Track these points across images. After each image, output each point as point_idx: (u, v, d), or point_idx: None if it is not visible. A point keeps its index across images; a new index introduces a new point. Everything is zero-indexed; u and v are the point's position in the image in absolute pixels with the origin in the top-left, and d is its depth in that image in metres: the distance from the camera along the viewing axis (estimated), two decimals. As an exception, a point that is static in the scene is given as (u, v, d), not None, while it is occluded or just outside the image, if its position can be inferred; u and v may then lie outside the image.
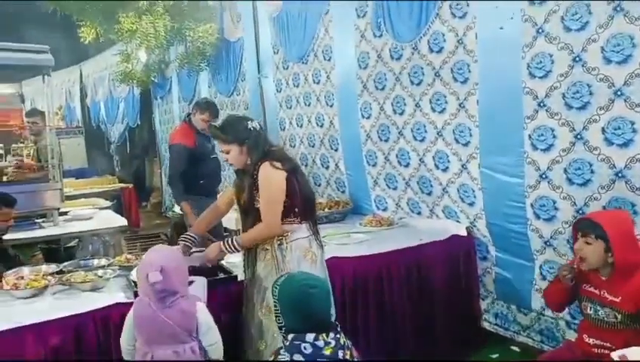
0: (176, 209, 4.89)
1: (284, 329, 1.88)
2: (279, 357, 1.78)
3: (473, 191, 3.35)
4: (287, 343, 1.80)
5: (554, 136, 2.77)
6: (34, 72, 4.65)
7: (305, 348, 1.76)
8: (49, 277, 2.62)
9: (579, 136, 2.66)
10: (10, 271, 2.69)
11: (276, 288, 1.97)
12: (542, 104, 2.79)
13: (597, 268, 2.20)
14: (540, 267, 3.10)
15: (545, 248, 3.02)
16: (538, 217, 2.97)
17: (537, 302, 3.17)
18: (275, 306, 1.91)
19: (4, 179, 4.38)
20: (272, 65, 5.14)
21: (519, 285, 3.26)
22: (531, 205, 2.99)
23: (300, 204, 2.41)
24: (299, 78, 4.76)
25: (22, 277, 2.60)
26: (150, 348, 2.06)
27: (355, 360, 1.90)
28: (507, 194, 3.10)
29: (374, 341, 3.11)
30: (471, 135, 3.26)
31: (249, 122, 2.44)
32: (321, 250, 2.51)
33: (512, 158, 3.02)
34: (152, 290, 2.02)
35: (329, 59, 4.34)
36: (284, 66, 4.95)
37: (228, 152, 2.44)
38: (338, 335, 1.85)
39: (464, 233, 3.46)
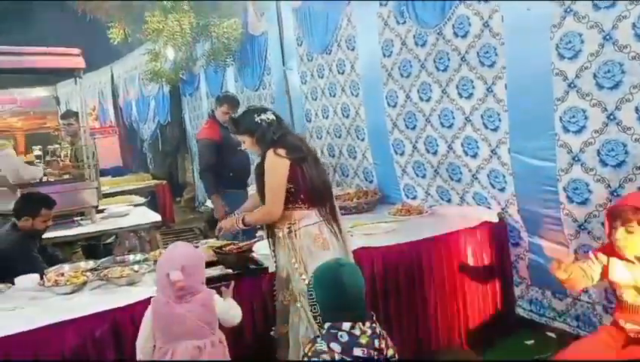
0: (209, 203, 4.98)
1: (319, 318, 1.89)
2: (316, 345, 1.80)
3: (504, 176, 3.30)
4: (324, 332, 1.82)
5: (585, 118, 2.70)
6: (67, 74, 4.77)
7: (341, 337, 1.78)
8: (87, 274, 2.72)
9: (611, 117, 2.59)
10: (51, 269, 2.80)
11: (312, 278, 1.99)
12: (572, 85, 2.73)
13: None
14: (575, 251, 3.03)
15: (579, 232, 2.95)
16: (571, 201, 2.91)
17: (573, 287, 3.11)
18: (311, 295, 1.93)
19: (44, 179, 4.54)
20: (296, 57, 5.15)
21: (554, 270, 3.20)
22: (564, 189, 2.92)
23: (307, 191, 2.46)
24: (323, 69, 4.76)
25: (62, 274, 2.70)
26: (171, 345, 2.09)
27: (390, 347, 1.92)
28: (539, 179, 3.04)
29: (407, 329, 3.12)
30: (500, 120, 3.20)
31: (260, 114, 2.54)
32: (336, 236, 2.52)
33: (542, 142, 2.96)
34: (172, 288, 2.07)
35: (352, 49, 4.33)
36: (308, 58, 4.96)
37: (244, 142, 2.60)
38: (374, 324, 1.87)
39: (496, 219, 3.42)
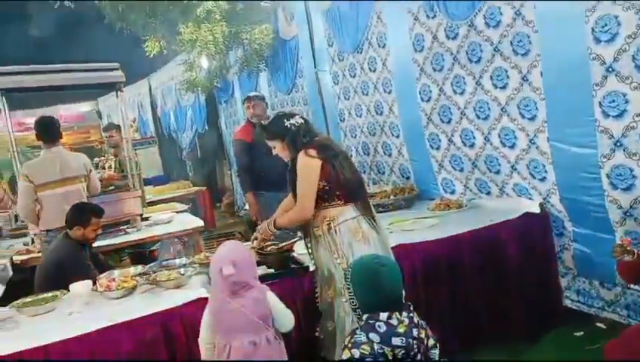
0: (248, 207, 5.10)
1: (358, 310, 1.93)
2: (355, 336, 1.84)
3: (544, 166, 3.25)
4: (362, 323, 1.86)
5: (626, 102, 2.63)
6: (108, 88, 4.95)
7: (379, 327, 1.81)
8: (137, 278, 2.83)
9: (654, 99, 2.52)
10: (102, 275, 2.92)
11: (348, 271, 2.03)
12: (610, 69, 2.66)
13: None
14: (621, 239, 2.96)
15: (625, 219, 2.88)
16: (615, 187, 2.84)
17: (622, 275, 3.03)
18: (348, 288, 1.98)
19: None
20: (327, 58, 5.19)
21: (600, 259, 3.12)
22: (607, 175, 2.86)
23: (342, 187, 2.50)
24: (355, 68, 4.78)
25: (113, 280, 2.82)
26: (228, 341, 2.16)
27: (430, 338, 1.93)
28: (580, 166, 2.98)
29: (449, 324, 3.10)
30: (537, 108, 3.15)
31: (289, 118, 2.60)
32: (375, 230, 2.55)
33: (582, 128, 2.89)
34: (226, 284, 2.13)
35: (383, 46, 4.33)
36: (339, 58, 4.99)
37: (274, 147, 2.66)
38: (411, 314, 1.89)
39: (537, 210, 3.36)
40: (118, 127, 5.40)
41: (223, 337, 2.18)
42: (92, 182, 4.18)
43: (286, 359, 2.27)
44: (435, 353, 1.97)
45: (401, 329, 1.83)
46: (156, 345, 2.40)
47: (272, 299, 2.26)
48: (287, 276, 2.73)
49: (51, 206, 3.85)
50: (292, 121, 2.60)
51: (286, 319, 2.26)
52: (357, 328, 1.89)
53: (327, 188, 2.50)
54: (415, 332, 1.88)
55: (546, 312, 3.33)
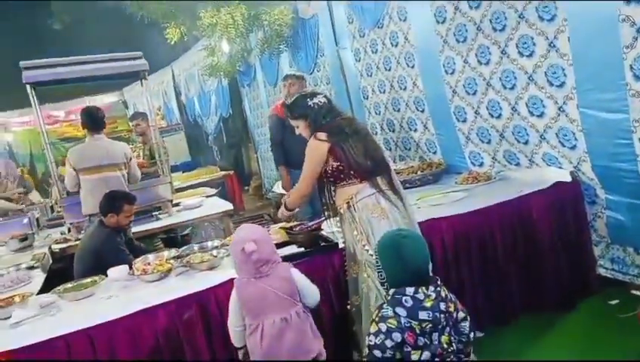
0: (276, 189, 5.13)
1: (386, 284, 1.95)
2: (382, 311, 1.86)
3: (573, 133, 3.18)
4: (389, 298, 1.87)
5: (659, 63, 2.56)
6: (133, 77, 5.02)
7: (406, 301, 1.83)
8: (171, 261, 2.90)
9: (688, 58, 2.43)
10: (137, 259, 3.00)
11: (377, 246, 2.05)
12: (641, 30, 2.58)
13: None
14: (657, 204, 2.90)
15: (660, 184, 2.81)
16: (649, 152, 2.78)
17: (658, 242, 2.98)
18: (377, 264, 2.00)
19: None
20: (348, 35, 5.14)
21: (635, 226, 3.07)
22: (639, 140, 2.78)
23: (355, 167, 2.52)
24: (376, 43, 4.73)
25: (148, 264, 2.90)
26: (259, 320, 2.21)
27: (460, 310, 1.94)
28: (612, 132, 2.91)
29: (482, 297, 3.10)
30: (565, 75, 3.08)
31: (312, 98, 2.63)
32: (396, 206, 2.55)
33: (613, 93, 2.82)
34: (249, 262, 2.19)
35: (405, 20, 4.27)
36: (360, 35, 4.94)
37: (298, 127, 2.70)
38: (439, 288, 1.90)
39: (568, 179, 3.31)
40: (144, 116, 5.49)
41: (254, 318, 2.23)
42: (132, 171, 4.31)
43: (316, 331, 2.31)
44: (465, 326, 1.98)
45: (427, 304, 1.84)
46: (192, 325, 2.47)
47: (297, 274, 2.31)
48: (318, 254, 2.76)
49: (92, 191, 3.98)
50: (315, 100, 2.62)
51: (312, 293, 2.32)
52: (384, 302, 1.92)
53: (341, 167, 2.53)
54: (442, 306, 1.88)
55: (579, 281, 3.30)
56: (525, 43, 3.25)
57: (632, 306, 2.93)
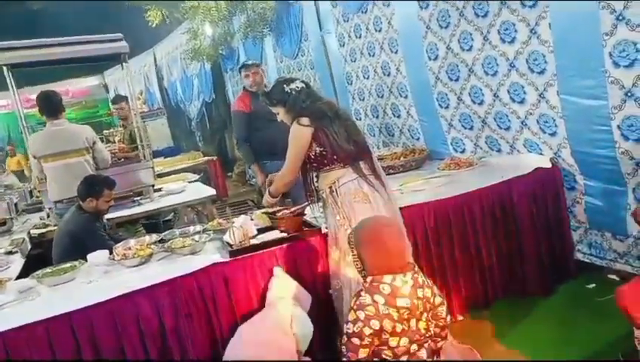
0: (255, 178, 5.10)
1: (363, 272, 1.96)
2: (360, 298, 1.86)
3: (554, 120, 3.21)
4: (367, 285, 1.88)
5: (637, 50, 2.57)
6: (113, 60, 4.93)
7: (384, 289, 1.84)
8: (153, 246, 2.88)
9: (666, 46, 2.47)
10: (118, 244, 2.98)
11: (352, 234, 2.06)
12: (620, 17, 2.60)
13: None
14: (634, 190, 2.95)
15: (637, 170, 2.86)
16: (627, 138, 2.81)
17: (634, 226, 3.03)
18: (353, 253, 2.00)
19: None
20: (332, 20, 5.11)
21: (613, 211, 3.12)
22: (618, 127, 2.82)
23: (338, 151, 2.52)
24: (360, 28, 4.70)
25: (129, 248, 2.87)
26: None
27: (437, 295, 1.96)
28: (591, 119, 2.95)
29: (464, 281, 3.14)
30: (546, 62, 3.10)
31: (289, 84, 2.62)
32: (378, 191, 2.56)
33: (593, 80, 2.85)
34: None
35: (388, 5, 4.24)
36: (344, 19, 4.91)
37: (278, 113, 2.69)
38: (416, 275, 1.91)
39: (548, 165, 3.35)
40: (126, 99, 5.41)
41: None
42: (99, 154, 4.21)
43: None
44: (442, 310, 2.00)
45: (405, 291, 1.85)
46: (176, 309, 2.47)
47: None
48: (301, 239, 2.77)
49: (55, 178, 3.93)
50: (292, 85, 2.62)
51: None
52: (361, 290, 1.92)
53: (324, 152, 2.53)
54: (420, 292, 1.90)
55: (558, 266, 3.36)
56: (507, 29, 3.26)
57: (608, 290, 2.98)
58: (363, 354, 1.80)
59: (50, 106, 4.05)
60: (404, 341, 1.85)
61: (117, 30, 4.54)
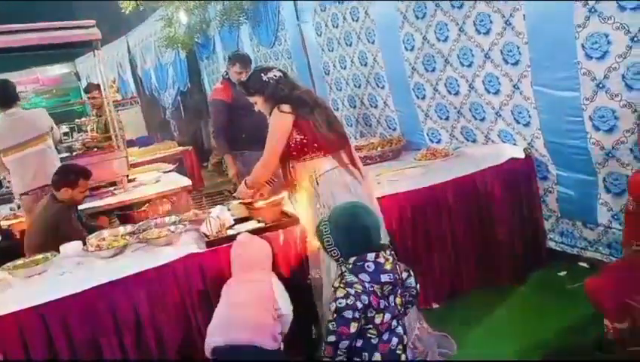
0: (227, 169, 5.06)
1: (341, 259, 1.98)
2: (346, 278, 1.90)
3: (527, 111, 3.26)
4: (350, 266, 1.91)
5: (608, 42, 2.63)
6: (84, 47, 4.82)
7: (368, 267, 1.90)
8: (127, 237, 2.84)
9: (635, 39, 2.51)
10: (92, 235, 2.93)
11: (325, 225, 2.05)
12: (593, 9, 2.64)
13: None
14: (604, 180, 3.02)
15: (607, 160, 2.92)
16: (598, 129, 2.87)
17: (604, 215, 3.11)
18: (327, 240, 2.01)
19: (74, 153, 4.68)
20: (309, 9, 5.07)
21: (583, 200, 3.20)
22: (590, 117, 2.88)
23: (319, 140, 2.52)
24: (337, 18, 4.68)
25: (103, 239, 2.83)
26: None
27: (404, 270, 2.02)
28: (564, 110, 3.00)
29: (439, 270, 3.19)
30: (520, 53, 3.13)
31: (267, 72, 2.60)
32: (357, 180, 2.58)
33: (565, 72, 2.89)
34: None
35: (365, -5, 4.24)
36: (321, 8, 4.87)
37: (256, 103, 2.66)
38: (392, 252, 1.98)
39: (522, 155, 3.41)
40: (98, 87, 5.30)
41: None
42: (56, 137, 4.11)
43: (277, 336, 2.33)
44: (411, 281, 2.07)
45: (388, 267, 1.93)
46: (152, 301, 2.44)
47: (277, 283, 2.41)
48: (278, 229, 2.76)
49: (17, 171, 3.81)
50: (270, 74, 2.60)
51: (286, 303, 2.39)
52: (344, 271, 1.95)
53: (304, 141, 2.52)
54: (398, 268, 1.99)
55: (530, 254, 3.43)
56: (482, 21, 3.28)
57: (579, 277, 3.07)
58: (354, 328, 1.84)
59: (5, 96, 3.86)
60: (387, 316, 1.92)
61: (89, 17, 4.43)
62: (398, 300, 1.97)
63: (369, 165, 3.85)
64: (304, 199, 2.62)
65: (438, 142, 4.14)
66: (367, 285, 1.87)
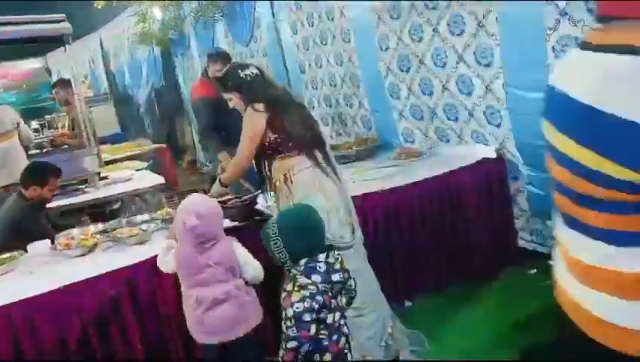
0: (211, 164, 5.00)
1: (288, 262, 1.92)
2: (299, 281, 1.86)
3: (499, 111, 3.31)
4: (302, 268, 1.88)
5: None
6: (55, 42, 4.71)
7: (320, 267, 1.86)
8: (97, 236, 2.79)
9: (604, 42, 2.57)
10: (60, 234, 2.87)
11: (272, 227, 1.97)
12: (563, 12, 2.69)
13: None
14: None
15: (576, 161, 2.98)
16: (567, 130, 2.93)
17: (572, 215, 3.18)
18: (275, 243, 1.93)
19: (44, 150, 4.58)
20: (285, 7, 5.06)
21: (553, 200, 3.25)
22: (559, 119, 2.93)
23: (293, 139, 2.50)
24: (313, 17, 4.68)
25: (72, 238, 2.78)
26: (195, 291, 2.17)
27: (344, 270, 1.99)
28: (534, 111, 3.01)
29: (411, 268, 3.21)
30: (492, 55, 3.18)
31: (244, 69, 2.56)
32: (332, 179, 2.57)
33: (537, 73, 2.92)
34: (191, 236, 2.12)
35: (341, -6, 4.25)
36: (297, 7, 4.87)
37: (231, 100, 2.62)
38: (337, 252, 1.98)
39: (494, 155, 3.46)
40: (67, 83, 5.19)
41: (189, 287, 2.19)
42: (23, 134, 4.01)
43: (258, 306, 2.29)
44: (352, 283, 2.04)
45: (337, 266, 1.91)
46: (121, 301, 2.40)
47: (239, 249, 2.25)
48: (251, 228, 2.74)
49: None
50: (247, 71, 2.57)
51: (253, 269, 2.26)
52: (295, 274, 1.90)
53: (278, 140, 2.50)
54: (345, 266, 1.97)
55: (502, 253, 3.48)
56: (456, 22, 3.32)
57: (549, 275, 3.13)
58: (313, 330, 1.81)
59: None
60: (337, 316, 1.90)
61: (60, 11, 4.34)
62: (344, 299, 1.97)
63: (344, 164, 3.86)
64: (279, 197, 2.60)
65: (413, 142, 4.17)
66: (320, 286, 1.84)
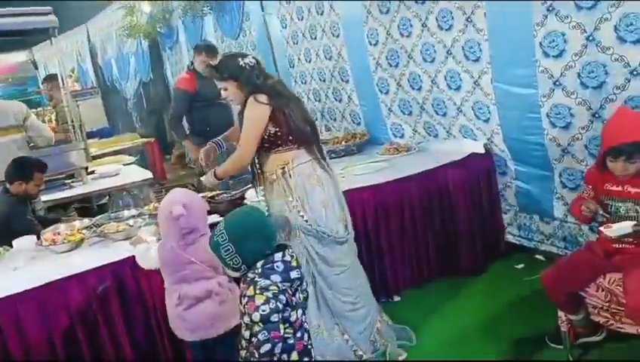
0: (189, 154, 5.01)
1: (243, 266, 1.86)
2: (259, 283, 1.80)
3: (487, 107, 3.32)
4: (259, 270, 1.83)
5: (565, 41, 2.69)
6: (41, 34, 4.65)
7: (277, 267, 1.82)
8: (84, 231, 2.76)
9: (590, 38, 2.58)
10: (47, 229, 2.84)
11: (221, 234, 1.88)
12: (551, 8, 2.70)
13: None
14: (560, 175, 3.11)
15: (563, 156, 3.01)
16: (554, 126, 2.95)
17: (559, 210, 3.21)
18: (227, 250, 1.85)
19: (30, 145, 4.51)
20: (274, 1, 5.02)
21: (540, 195, 3.29)
22: (547, 114, 2.95)
23: (294, 132, 2.47)
24: (302, 11, 4.66)
25: (58, 233, 2.75)
26: (177, 287, 2.16)
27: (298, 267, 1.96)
28: (522, 106, 3.06)
29: (400, 263, 3.22)
30: (481, 50, 3.18)
31: (242, 58, 2.49)
32: (328, 174, 2.56)
33: (524, 69, 2.95)
34: (176, 228, 2.11)
35: (331, -12, 4.23)
36: (286, 1, 4.84)
37: (226, 89, 2.53)
38: (293, 251, 1.94)
39: (482, 150, 3.47)
40: (56, 77, 5.12)
41: (173, 283, 2.18)
42: (35, 132, 3.96)
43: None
44: (306, 281, 2.00)
45: (294, 263, 1.87)
46: (107, 297, 2.39)
47: None
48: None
49: None
50: (246, 60, 2.48)
51: None
52: (254, 277, 1.84)
53: (279, 133, 2.45)
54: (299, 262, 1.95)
55: (489, 247, 3.50)
56: (444, 17, 3.32)
57: (536, 270, 3.16)
58: (282, 329, 1.77)
59: None
60: (299, 313, 1.86)
61: (47, 4, 4.28)
62: (302, 296, 1.92)
63: (333, 159, 3.85)
64: (274, 192, 2.56)
65: (402, 136, 4.18)
66: (280, 285, 1.80)
